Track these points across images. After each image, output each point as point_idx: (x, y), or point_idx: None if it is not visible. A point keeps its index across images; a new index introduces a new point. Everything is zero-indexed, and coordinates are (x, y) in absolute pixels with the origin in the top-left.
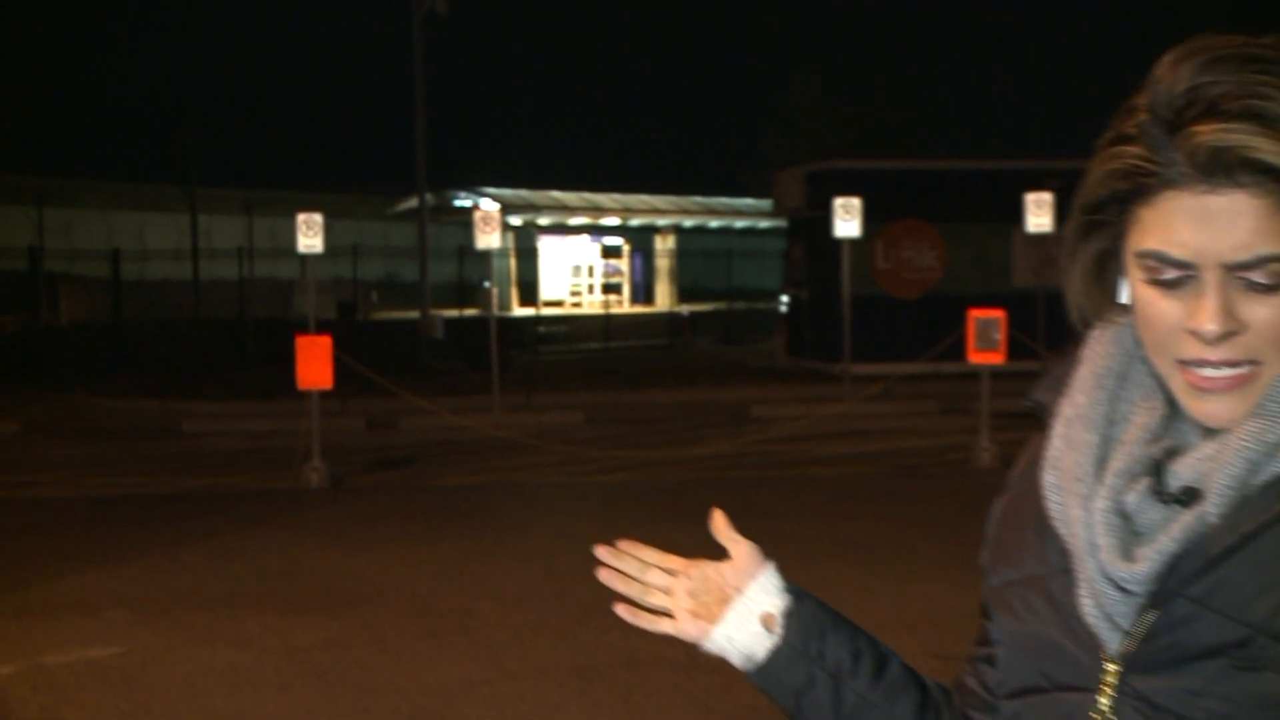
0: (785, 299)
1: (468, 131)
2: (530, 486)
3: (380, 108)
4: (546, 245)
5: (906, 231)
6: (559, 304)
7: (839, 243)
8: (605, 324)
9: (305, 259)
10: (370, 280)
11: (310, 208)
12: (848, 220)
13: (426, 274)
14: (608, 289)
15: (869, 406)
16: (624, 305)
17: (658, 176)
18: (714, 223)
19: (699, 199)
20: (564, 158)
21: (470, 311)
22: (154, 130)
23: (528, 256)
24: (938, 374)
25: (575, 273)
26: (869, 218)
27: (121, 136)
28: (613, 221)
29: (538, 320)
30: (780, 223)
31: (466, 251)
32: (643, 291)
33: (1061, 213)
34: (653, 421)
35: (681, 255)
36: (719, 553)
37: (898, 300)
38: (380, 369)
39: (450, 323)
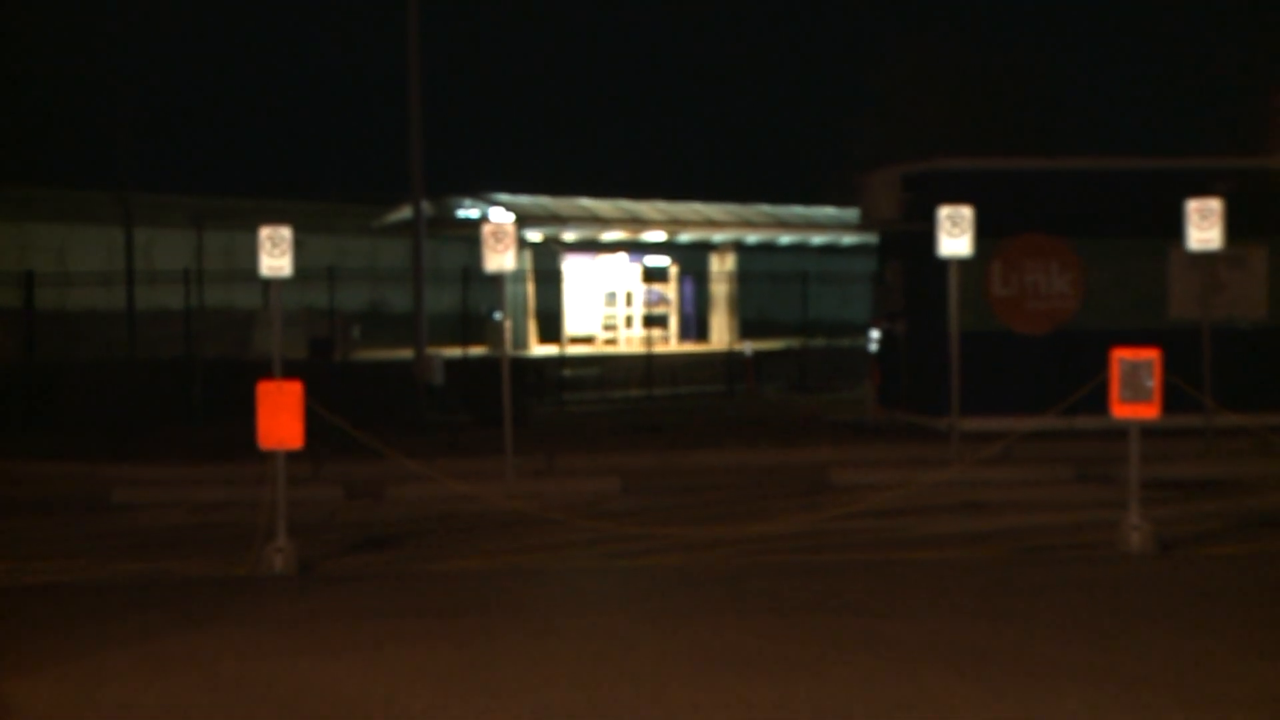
0: (876, 335)
1: (476, 126)
2: (553, 573)
3: (367, 96)
4: (573, 266)
5: (1032, 249)
6: (589, 340)
7: (945, 263)
8: (647, 366)
9: (270, 284)
10: (352, 311)
11: (276, 219)
12: (956, 235)
13: (423, 303)
14: (650, 322)
15: (984, 472)
16: (671, 343)
17: (714, 180)
18: (785, 238)
19: (766, 208)
20: (595, 158)
21: (477, 350)
22: (80, 122)
23: (550, 281)
24: (1073, 431)
25: (609, 301)
26: (983, 231)
27: (37, 129)
28: (657, 236)
29: (562, 361)
30: (869, 238)
31: (473, 275)
32: (695, 325)
33: (1234, 224)
34: (708, 490)
35: (744, 279)
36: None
37: (1021, 337)
38: (364, 423)
39: (452, 364)
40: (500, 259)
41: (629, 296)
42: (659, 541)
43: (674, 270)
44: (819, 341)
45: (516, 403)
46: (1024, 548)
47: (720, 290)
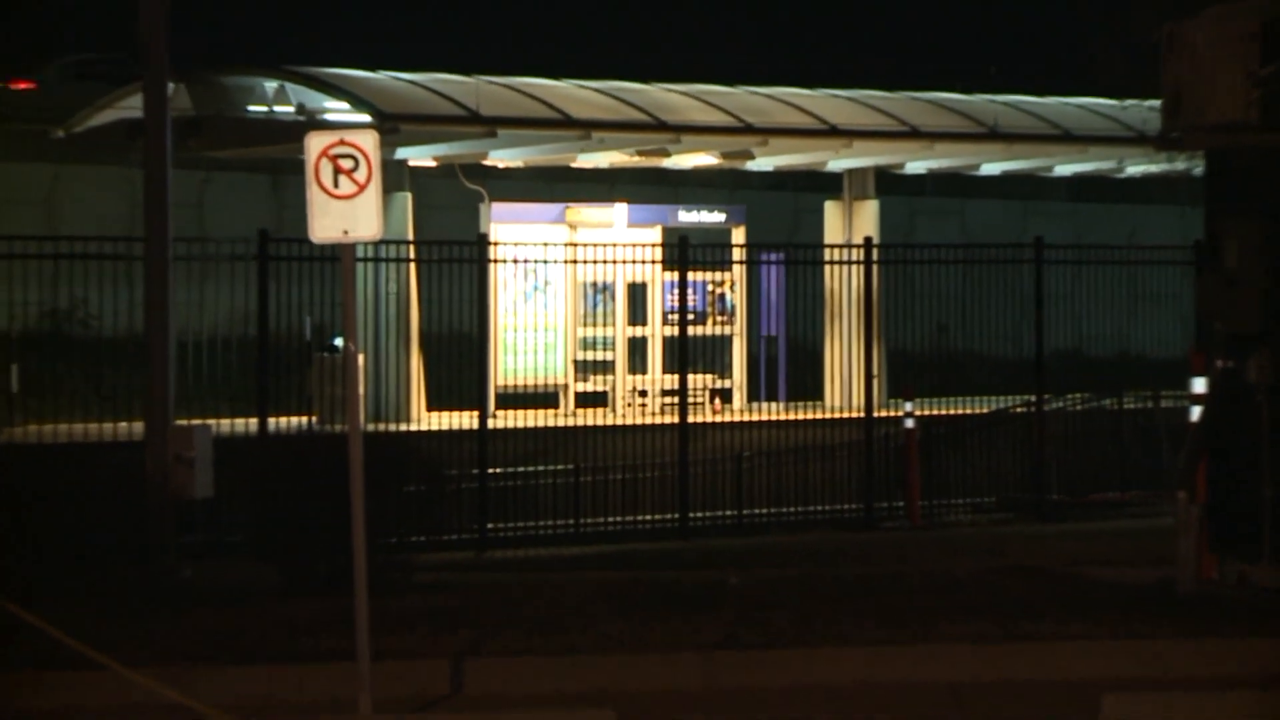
0: (1202, 386)
1: None
2: None
3: None
4: (510, 232)
5: None
6: (544, 398)
7: None
8: (680, 458)
9: None
10: (7, 332)
11: None
12: None
13: (167, 314)
14: (687, 357)
15: None
16: (735, 402)
17: (827, 45)
18: (991, 164)
19: (950, 98)
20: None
21: (289, 422)
22: None
23: (454, 267)
24: None
25: (592, 314)
26: None
27: None
28: (701, 161)
29: (485, 445)
30: (1184, 164)
31: (280, 251)
32: (787, 363)
33: None
34: None
35: (898, 261)
36: None
37: None
38: (35, 586)
39: (233, 453)
40: (345, 214)
41: (635, 298)
42: None
43: (740, 237)
44: (1070, 399)
45: (378, 541)
46: None
47: (845, 282)
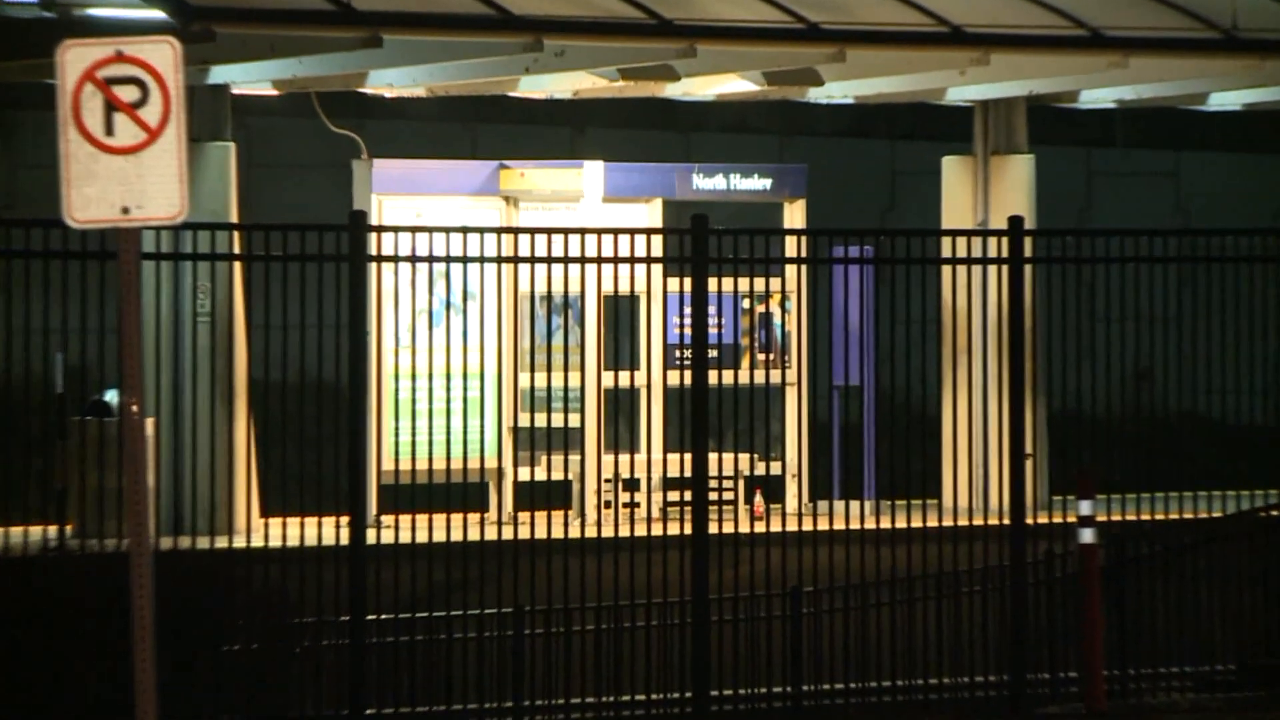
0: None
1: None
2: None
3: None
4: (404, 206)
5: None
6: (461, 491)
7: None
8: (693, 593)
9: None
10: None
11: None
12: None
13: None
14: (703, 418)
15: None
16: (792, 504)
17: None
18: (1226, 95)
19: None
20: None
21: (27, 534)
22: None
23: (304, 265)
24: None
25: (541, 347)
26: None
27: None
28: (729, 88)
29: (360, 569)
30: None
31: (13, 241)
32: (875, 427)
33: None
34: None
35: (1063, 260)
36: None
37: None
38: None
39: None
40: (126, 179)
41: (618, 322)
42: None
43: (797, 218)
44: None
45: None
46: None
47: (977, 292)
